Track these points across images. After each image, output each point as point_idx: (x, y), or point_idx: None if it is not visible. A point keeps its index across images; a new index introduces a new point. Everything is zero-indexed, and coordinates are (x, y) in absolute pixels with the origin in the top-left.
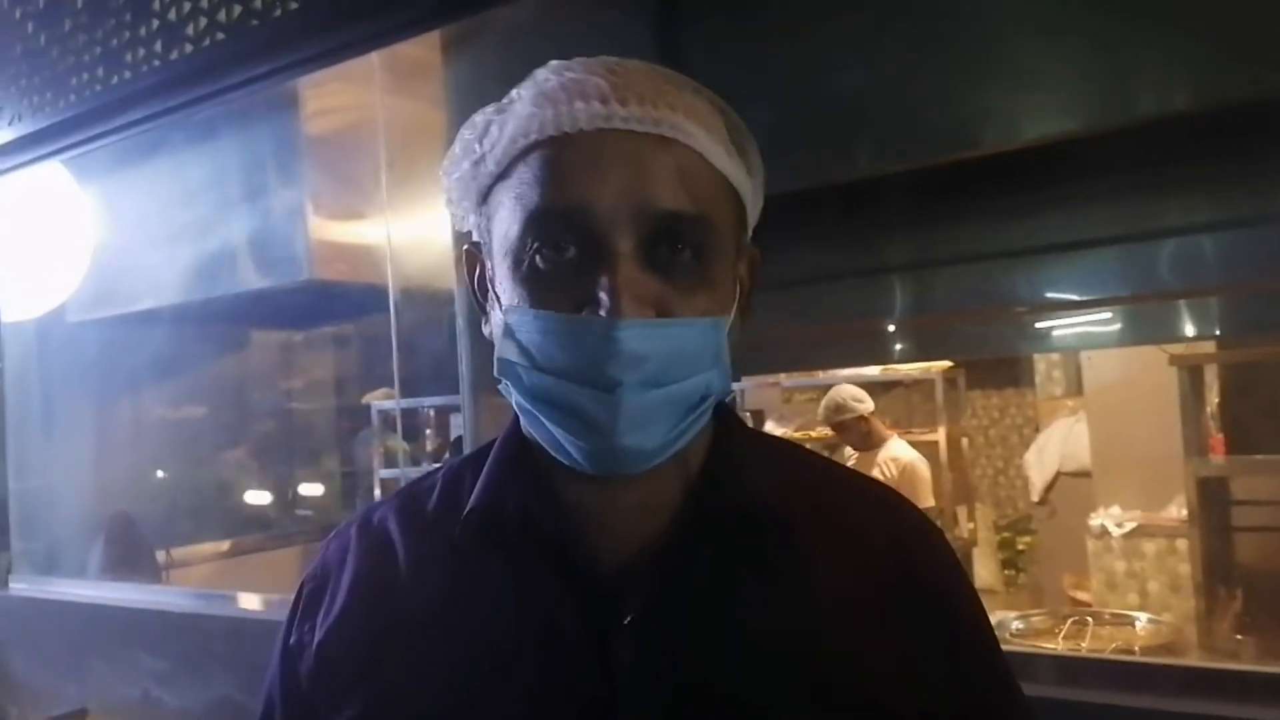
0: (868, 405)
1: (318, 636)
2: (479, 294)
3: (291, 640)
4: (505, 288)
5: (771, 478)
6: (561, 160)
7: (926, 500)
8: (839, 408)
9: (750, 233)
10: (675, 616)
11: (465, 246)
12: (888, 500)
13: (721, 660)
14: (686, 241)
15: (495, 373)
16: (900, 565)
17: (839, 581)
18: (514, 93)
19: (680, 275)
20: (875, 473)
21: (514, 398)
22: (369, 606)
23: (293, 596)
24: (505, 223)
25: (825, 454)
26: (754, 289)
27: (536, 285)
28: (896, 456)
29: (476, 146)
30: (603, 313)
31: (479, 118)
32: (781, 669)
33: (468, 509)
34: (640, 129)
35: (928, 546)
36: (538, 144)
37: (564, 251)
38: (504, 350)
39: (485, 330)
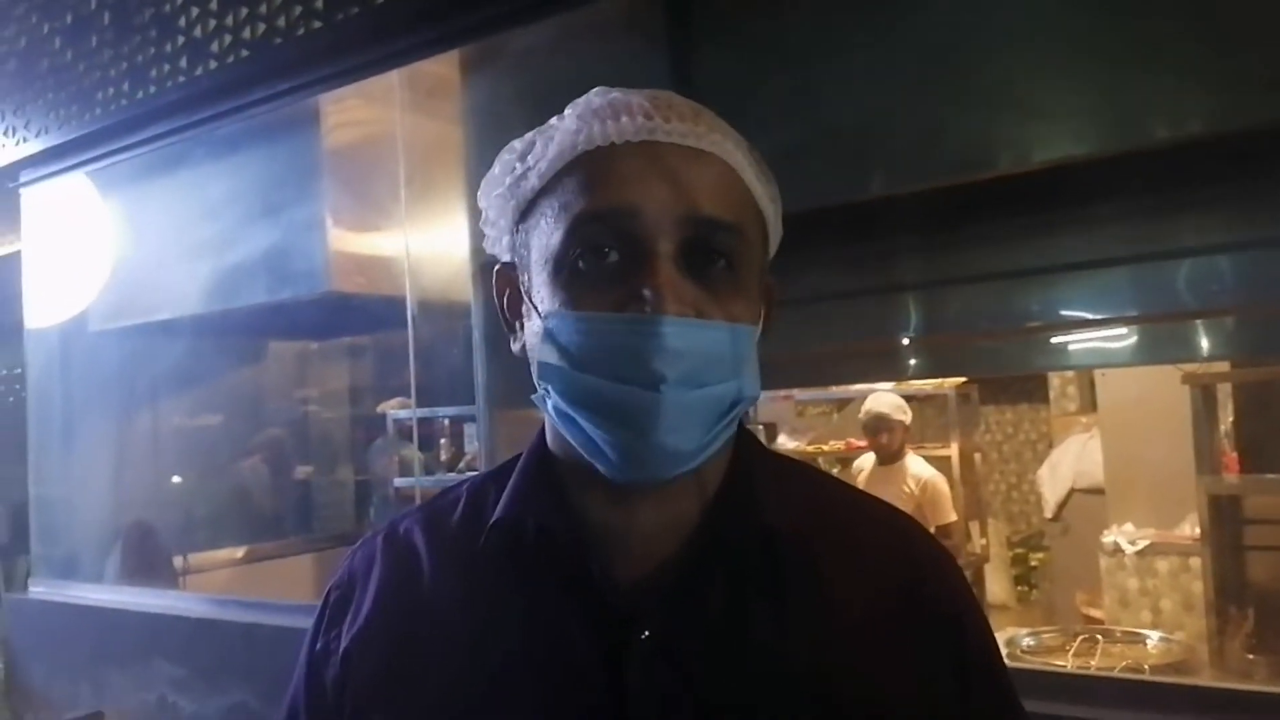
0: (908, 416)
1: (343, 644)
2: (508, 314)
3: (318, 647)
4: (544, 294)
5: (787, 500)
6: (609, 168)
7: (949, 515)
8: (881, 416)
9: (769, 261)
10: (690, 637)
11: (497, 267)
12: (901, 526)
13: (735, 682)
14: (722, 249)
15: (535, 378)
16: (913, 590)
17: (853, 606)
18: (554, 120)
19: (715, 282)
20: (901, 488)
21: (550, 404)
22: (394, 616)
23: (318, 604)
24: (547, 233)
25: (838, 467)
26: (771, 317)
27: (578, 287)
28: (918, 474)
29: (518, 164)
30: (647, 309)
31: (518, 142)
32: (795, 692)
33: (491, 522)
34: (683, 143)
35: (940, 572)
36: (585, 155)
37: (606, 256)
38: (544, 354)
39: (515, 347)
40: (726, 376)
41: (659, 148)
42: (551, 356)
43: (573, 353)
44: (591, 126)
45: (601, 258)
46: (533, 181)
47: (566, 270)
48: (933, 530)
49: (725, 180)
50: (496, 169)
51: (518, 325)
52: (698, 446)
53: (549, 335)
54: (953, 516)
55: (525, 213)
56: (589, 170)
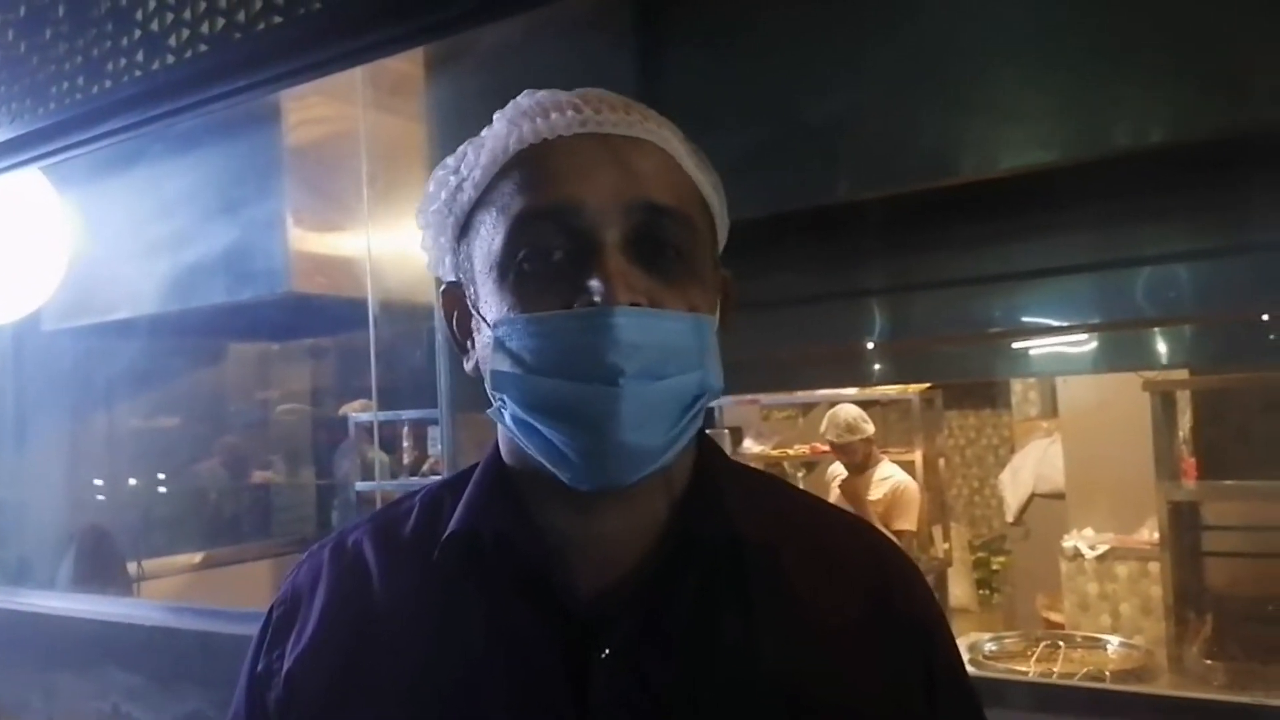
0: (872, 427)
1: (287, 665)
2: (459, 334)
3: (259, 667)
4: (491, 302)
5: (754, 508)
6: (545, 164)
7: (909, 524)
8: (850, 427)
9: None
10: (655, 649)
11: (442, 288)
12: (868, 537)
13: (702, 694)
14: (670, 236)
15: (489, 388)
16: (882, 600)
17: (821, 614)
18: (484, 129)
19: (667, 269)
20: (871, 493)
21: (508, 414)
22: (341, 633)
23: (261, 620)
24: (488, 239)
25: (803, 470)
26: (729, 311)
27: (525, 290)
28: (891, 479)
29: (451, 178)
30: (597, 299)
31: (450, 158)
32: (764, 702)
33: (446, 534)
34: (617, 131)
35: (909, 584)
36: (518, 155)
37: (551, 255)
38: (496, 363)
39: (468, 367)
40: (688, 368)
41: (594, 139)
42: (504, 364)
43: (525, 358)
44: (521, 127)
45: (547, 256)
46: (469, 193)
47: (512, 274)
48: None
49: (665, 167)
50: (431, 187)
51: (469, 344)
52: (663, 444)
53: (499, 343)
54: (911, 526)
55: (464, 226)
56: (524, 169)
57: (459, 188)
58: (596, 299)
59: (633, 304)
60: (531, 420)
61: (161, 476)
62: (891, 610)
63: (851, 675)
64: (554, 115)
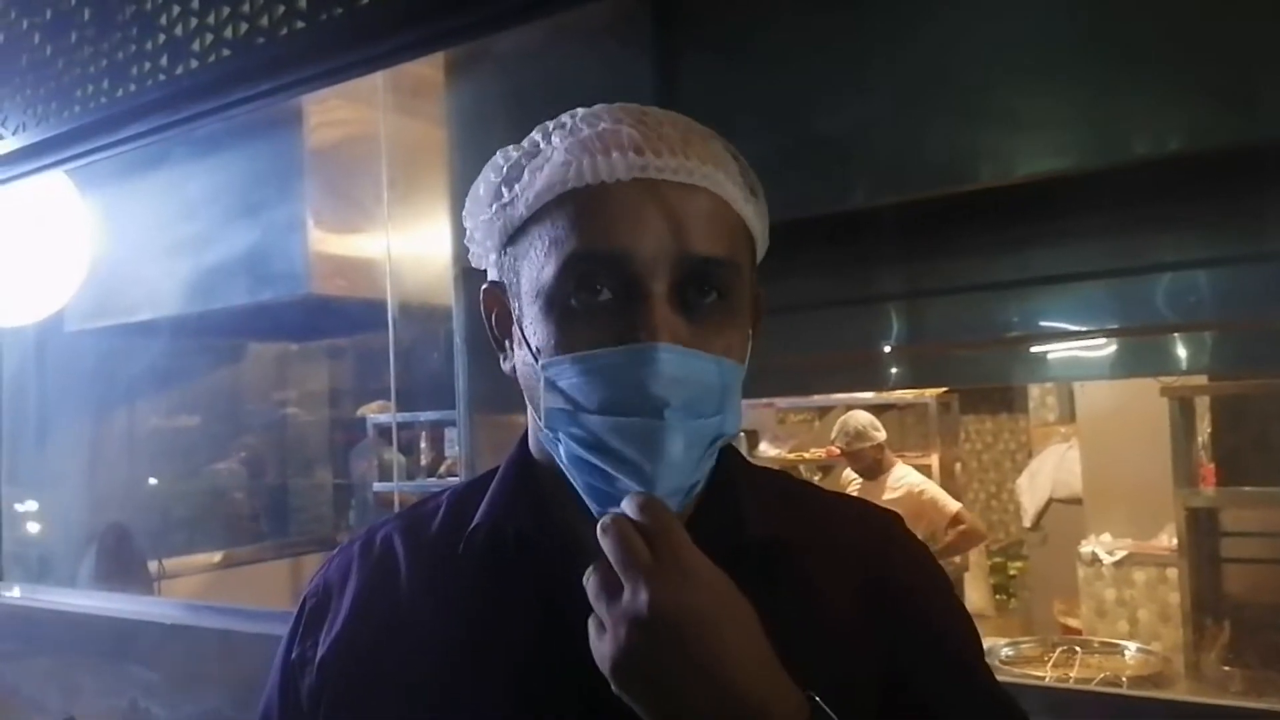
0: (883, 434)
1: (320, 652)
2: (497, 333)
3: (293, 656)
4: (537, 329)
5: (767, 506)
6: (601, 208)
7: (951, 505)
8: (859, 434)
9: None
10: None
11: (485, 286)
12: (877, 520)
13: None
14: (715, 284)
15: (544, 424)
16: (883, 583)
17: (836, 609)
18: (536, 136)
19: (709, 315)
20: (886, 500)
21: (562, 450)
22: (372, 623)
23: (294, 611)
24: (538, 265)
25: (820, 474)
26: (759, 325)
27: (573, 325)
28: (907, 484)
29: (504, 190)
30: (641, 338)
31: (501, 159)
32: None
33: (471, 528)
34: (674, 179)
35: (908, 556)
36: (574, 192)
37: (598, 294)
38: (549, 401)
39: (505, 367)
40: (715, 410)
41: (651, 185)
42: (556, 402)
43: (575, 397)
44: (581, 162)
45: (594, 294)
46: (520, 210)
47: (559, 308)
48: (946, 529)
49: (717, 214)
50: (481, 190)
51: (507, 344)
52: (694, 479)
53: (550, 383)
54: (955, 505)
55: (513, 237)
56: (580, 208)
57: (510, 203)
58: (642, 337)
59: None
60: (586, 457)
61: (182, 476)
62: (888, 581)
63: (866, 668)
64: (615, 155)
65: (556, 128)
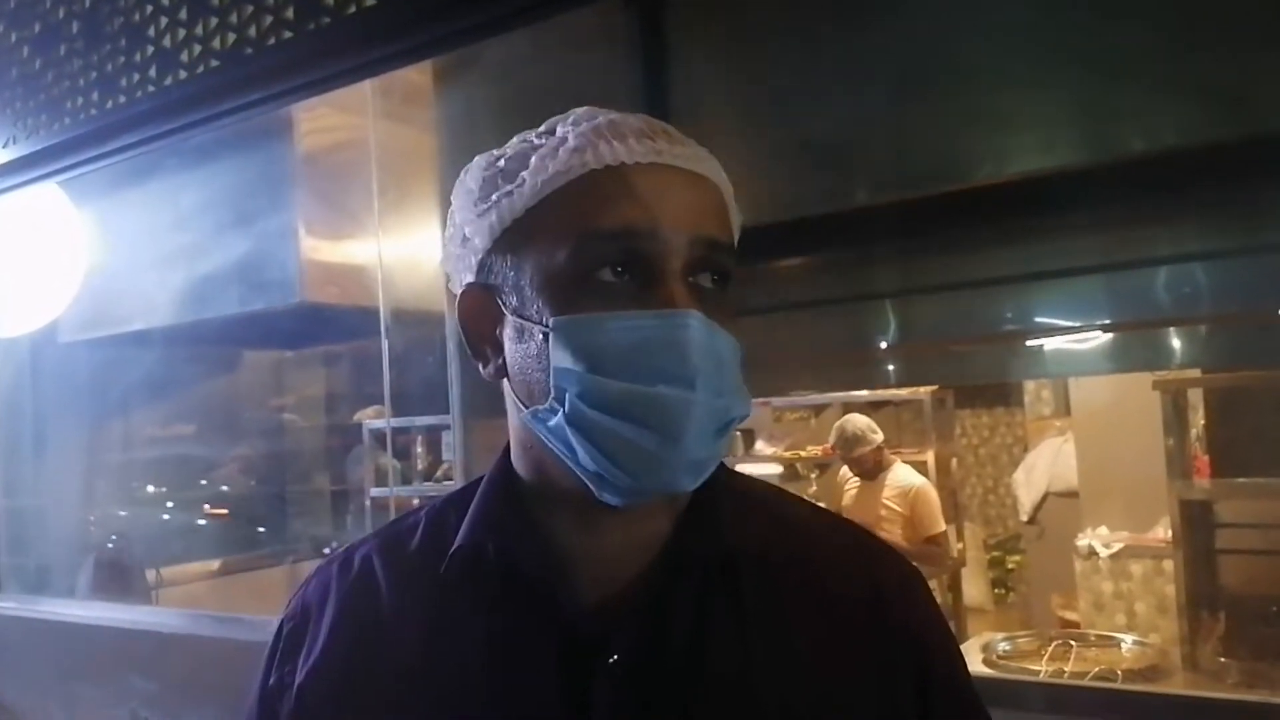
0: (880, 435)
1: (298, 679)
2: (476, 338)
3: (271, 681)
4: (549, 310)
5: (751, 522)
6: (621, 189)
7: (938, 525)
8: (858, 439)
9: None
10: (653, 662)
11: (463, 290)
12: (866, 546)
13: (697, 706)
14: (718, 268)
15: (552, 383)
16: (872, 609)
17: (815, 628)
18: (540, 138)
19: (712, 299)
20: (885, 500)
21: (560, 417)
22: (351, 647)
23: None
24: (547, 250)
25: (816, 472)
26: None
27: (590, 301)
28: (907, 484)
29: (502, 181)
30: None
31: (493, 156)
32: (755, 714)
33: (453, 548)
34: (685, 166)
35: (903, 591)
36: (590, 175)
37: (619, 274)
38: (561, 360)
39: (485, 373)
40: (734, 388)
41: (667, 170)
42: (569, 361)
43: (597, 356)
44: (598, 145)
45: (614, 273)
46: (524, 199)
47: (576, 288)
48: (922, 542)
49: (720, 202)
50: (473, 184)
51: (487, 350)
52: (712, 455)
53: (565, 340)
54: (941, 526)
55: (509, 230)
56: (599, 188)
57: (510, 193)
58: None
59: None
60: (597, 419)
61: (179, 484)
62: (885, 620)
63: (843, 686)
64: (631, 140)
65: (561, 124)
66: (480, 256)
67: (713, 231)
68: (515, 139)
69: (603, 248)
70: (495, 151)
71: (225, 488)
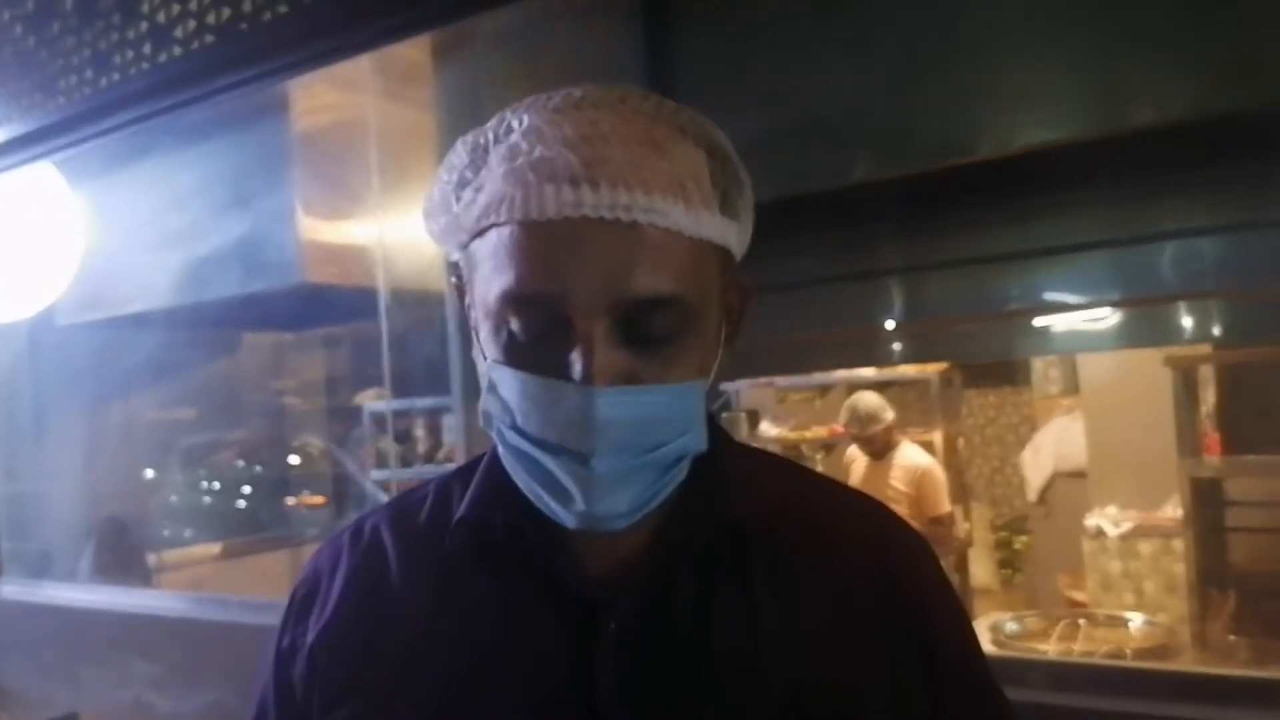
0: (891, 414)
1: (309, 640)
2: (468, 311)
3: (284, 643)
4: (488, 345)
5: (756, 492)
6: (533, 246)
7: (943, 506)
8: (871, 418)
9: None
10: (657, 629)
11: (454, 279)
12: (876, 518)
13: (701, 672)
14: (655, 324)
15: (480, 423)
16: (880, 582)
17: (820, 598)
18: (491, 148)
19: (653, 349)
20: (891, 482)
21: (500, 446)
22: (360, 612)
23: (286, 600)
24: (486, 280)
25: (822, 453)
26: (744, 318)
27: (514, 352)
28: (914, 463)
29: (454, 199)
30: (576, 378)
31: (454, 160)
32: (759, 684)
33: (455, 519)
34: (610, 215)
35: (912, 565)
36: (516, 223)
37: (538, 325)
38: (487, 403)
39: (474, 354)
40: (666, 438)
41: (585, 225)
42: (495, 407)
43: (513, 410)
44: (515, 196)
45: (535, 326)
46: (468, 223)
47: (505, 332)
48: (927, 522)
49: (660, 248)
50: (436, 195)
51: (476, 335)
52: (635, 506)
53: (493, 386)
54: (947, 507)
55: (467, 244)
56: (514, 243)
57: (460, 214)
58: (576, 378)
59: (614, 385)
60: (517, 465)
61: (180, 467)
62: (893, 594)
63: (847, 659)
64: (548, 189)
65: (507, 131)
66: (459, 254)
67: (643, 287)
68: (493, 120)
69: (520, 309)
70: (466, 140)
71: (241, 462)
